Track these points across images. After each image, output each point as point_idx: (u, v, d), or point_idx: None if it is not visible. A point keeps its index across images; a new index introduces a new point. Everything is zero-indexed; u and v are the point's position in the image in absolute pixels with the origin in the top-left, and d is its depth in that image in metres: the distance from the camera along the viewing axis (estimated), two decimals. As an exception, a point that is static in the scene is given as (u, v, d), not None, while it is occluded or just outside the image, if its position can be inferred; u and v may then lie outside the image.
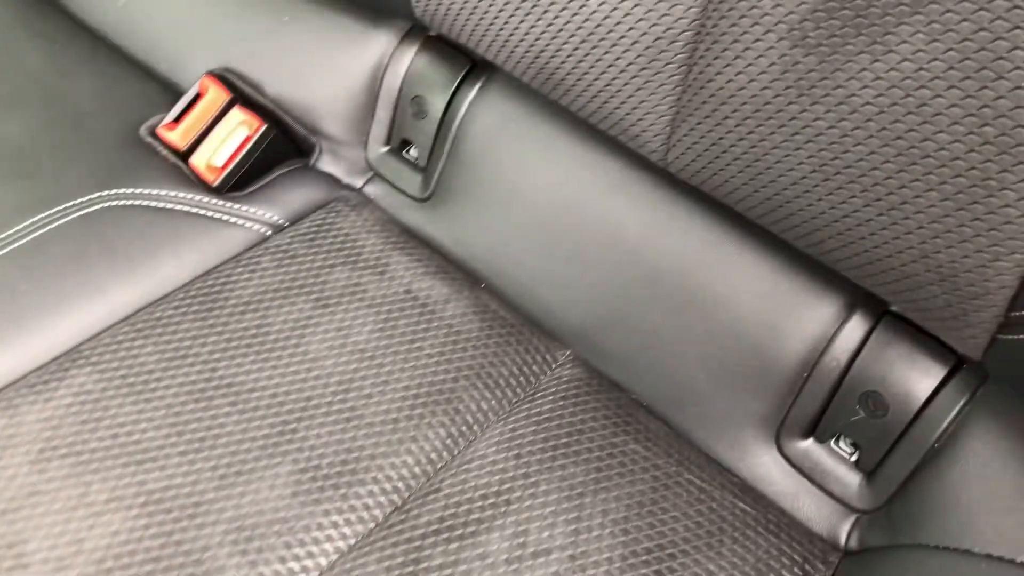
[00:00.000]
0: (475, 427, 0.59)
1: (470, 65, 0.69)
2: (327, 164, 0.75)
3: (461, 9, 0.61)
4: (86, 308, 0.61)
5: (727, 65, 0.50)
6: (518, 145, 0.67)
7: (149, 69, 0.77)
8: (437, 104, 0.70)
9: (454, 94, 0.69)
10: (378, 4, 0.69)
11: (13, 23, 0.77)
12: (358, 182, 0.74)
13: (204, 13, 0.76)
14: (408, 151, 0.73)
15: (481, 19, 0.60)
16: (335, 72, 0.73)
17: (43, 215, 0.64)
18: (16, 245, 0.62)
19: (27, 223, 0.63)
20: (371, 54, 0.72)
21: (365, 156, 0.74)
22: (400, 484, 0.56)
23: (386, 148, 0.73)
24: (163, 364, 0.59)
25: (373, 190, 0.74)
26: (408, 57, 0.71)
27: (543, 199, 0.66)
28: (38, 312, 0.60)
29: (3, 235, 0.62)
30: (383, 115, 0.73)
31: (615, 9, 0.53)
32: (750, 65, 0.49)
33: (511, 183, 0.67)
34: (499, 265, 0.68)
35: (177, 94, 0.74)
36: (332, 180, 0.74)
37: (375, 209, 0.72)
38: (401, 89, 0.72)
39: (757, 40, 0.48)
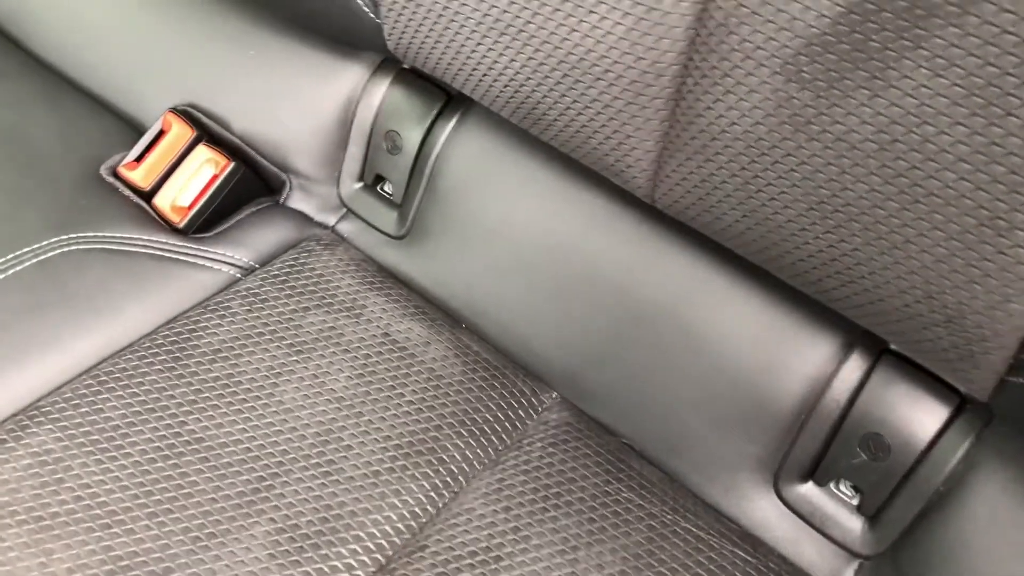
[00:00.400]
0: (460, 478, 0.57)
1: (446, 98, 0.67)
2: (297, 202, 0.72)
3: (436, 43, 0.59)
4: (45, 360, 0.58)
5: (717, 100, 0.49)
6: (497, 180, 0.65)
7: (109, 105, 0.74)
8: (412, 138, 0.68)
9: (430, 128, 0.67)
10: (349, 37, 0.67)
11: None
12: (331, 220, 0.71)
13: (165, 47, 0.73)
14: (382, 187, 0.71)
15: (458, 53, 0.58)
16: (305, 106, 0.70)
17: (-3, 261, 0.61)
18: (-31, 295, 0.58)
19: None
20: (342, 87, 0.69)
21: (337, 193, 0.71)
22: (384, 542, 0.53)
23: (359, 184, 0.71)
24: (128, 419, 0.56)
25: (347, 228, 0.71)
26: (381, 90, 0.69)
27: (524, 236, 0.64)
28: (-7, 366, 0.57)
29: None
30: (355, 150, 0.70)
31: (599, 43, 0.51)
32: (741, 100, 0.48)
33: (490, 219, 0.65)
34: (479, 304, 0.66)
35: (139, 131, 0.71)
36: (303, 218, 0.71)
37: (349, 248, 0.69)
38: (374, 123, 0.69)
39: (749, 75, 0.47)
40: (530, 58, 0.55)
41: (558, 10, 0.51)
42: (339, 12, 0.62)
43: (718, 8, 0.47)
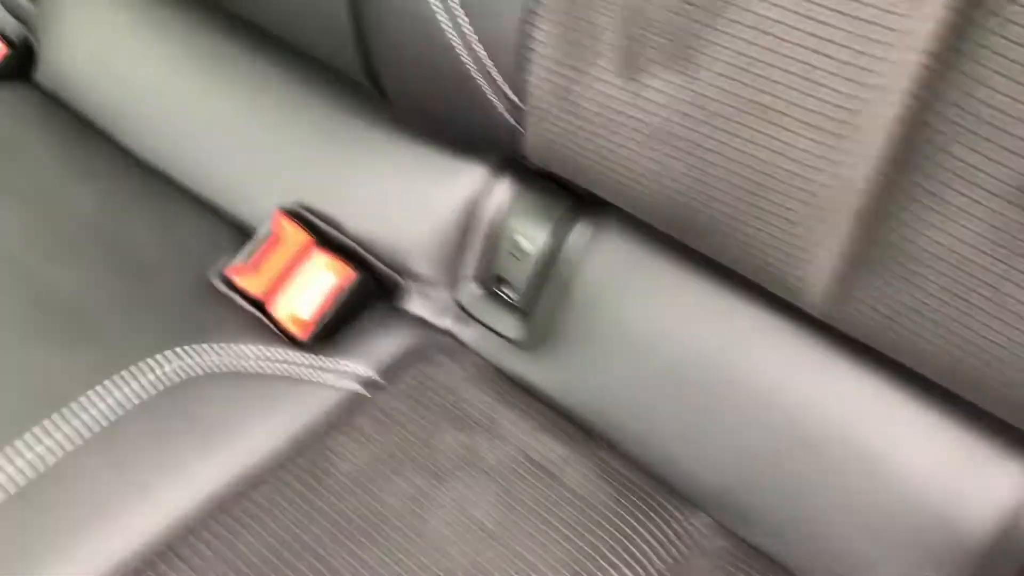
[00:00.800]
0: (623, 617, 0.53)
1: (576, 199, 0.64)
2: (414, 305, 0.68)
3: (582, 149, 0.56)
4: (172, 491, 0.54)
5: (919, 218, 0.45)
6: (639, 285, 0.62)
7: (212, 206, 0.71)
8: (537, 240, 0.64)
9: (558, 230, 0.64)
10: (472, 138, 0.64)
11: (60, 162, 0.71)
12: (449, 324, 0.68)
13: (271, 144, 0.70)
14: (503, 290, 0.67)
15: (605, 159, 0.55)
16: (422, 207, 0.67)
17: (111, 381, 0.57)
18: (91, 428, 0.54)
19: (94, 392, 0.56)
20: (462, 187, 0.66)
21: (457, 297, 0.68)
22: None
23: (479, 288, 0.68)
24: (266, 558, 0.52)
25: (467, 334, 0.67)
26: (503, 190, 0.66)
27: (671, 344, 0.60)
28: (120, 503, 0.53)
29: (67, 408, 0.55)
30: (475, 252, 0.67)
31: (781, 156, 0.48)
32: (952, 222, 0.44)
33: (631, 327, 0.62)
34: (619, 418, 0.62)
35: (244, 232, 0.68)
36: (421, 323, 0.67)
37: (473, 356, 0.65)
38: (496, 225, 0.66)
39: (964, 196, 0.44)
40: (693, 167, 0.52)
41: (742, 124, 0.48)
42: (468, 116, 0.59)
43: (925, 125, 0.44)
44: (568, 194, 0.64)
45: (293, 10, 0.61)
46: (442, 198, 0.67)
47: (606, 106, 0.52)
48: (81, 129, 0.76)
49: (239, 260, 0.65)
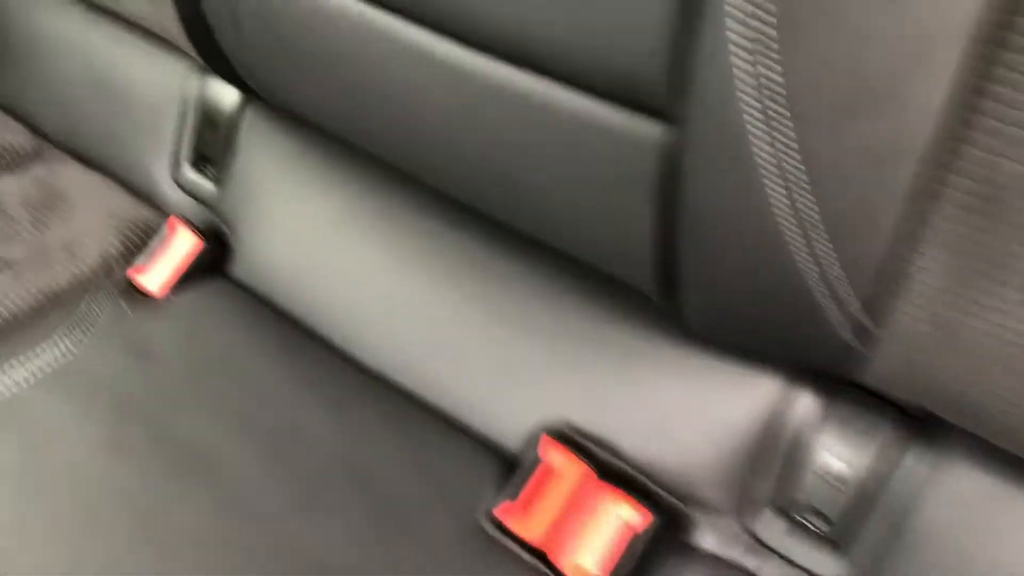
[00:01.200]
0: None
1: (909, 419, 0.55)
2: (701, 538, 0.59)
3: (949, 373, 0.47)
4: None
5: None
6: (996, 526, 0.52)
7: (461, 425, 0.63)
8: (858, 464, 0.55)
9: (886, 450, 0.55)
10: (787, 352, 0.55)
11: (280, 375, 0.63)
12: (745, 560, 0.58)
13: (528, 353, 0.62)
14: (809, 518, 0.58)
15: (978, 385, 0.46)
16: (711, 421, 0.58)
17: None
18: None
19: None
20: (758, 397, 0.57)
21: (750, 526, 0.58)
22: None
23: (779, 516, 0.58)
24: None
25: (766, 570, 0.58)
26: (809, 402, 0.57)
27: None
28: None
29: None
30: (773, 474, 0.58)
31: None
32: None
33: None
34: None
35: (504, 457, 0.60)
36: (714, 560, 0.58)
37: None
38: (796, 441, 0.57)
39: None
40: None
41: None
42: (793, 334, 0.51)
43: None
44: (895, 410, 0.55)
45: (574, 218, 0.54)
46: (734, 410, 0.58)
47: (1002, 338, 0.44)
48: (292, 332, 0.69)
49: (507, 497, 0.56)
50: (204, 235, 0.76)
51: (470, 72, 0.51)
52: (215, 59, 0.72)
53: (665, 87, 0.44)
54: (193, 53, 0.76)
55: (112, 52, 0.86)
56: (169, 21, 0.75)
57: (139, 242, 0.79)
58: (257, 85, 0.70)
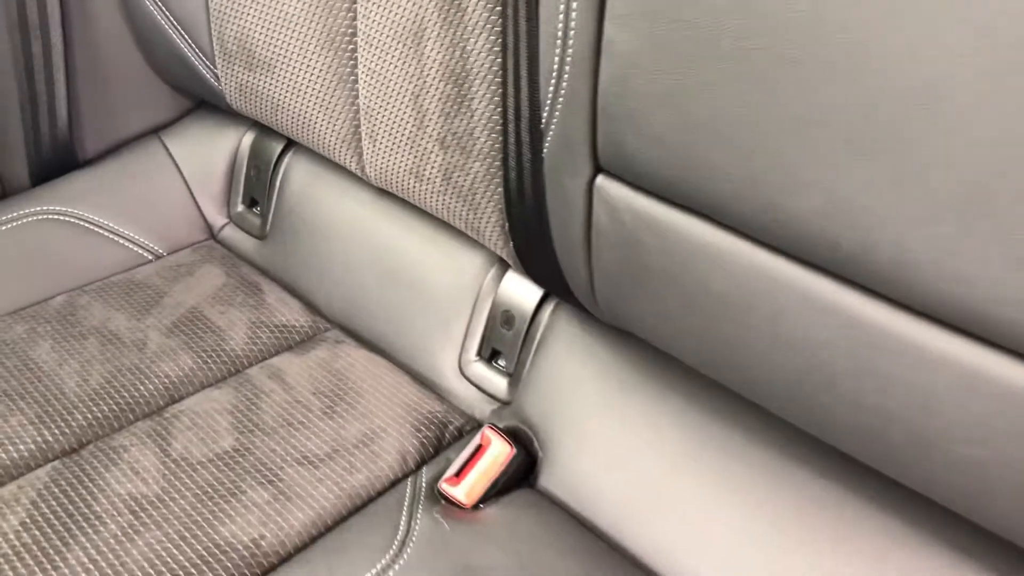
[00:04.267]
0: None
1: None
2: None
3: None
4: None
5: None
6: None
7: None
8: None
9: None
10: None
11: (536, 539, 0.61)
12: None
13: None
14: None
15: None
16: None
17: None
18: None
19: None
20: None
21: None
22: None
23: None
24: None
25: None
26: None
27: None
28: None
29: None
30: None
31: None
32: None
33: None
34: None
35: None
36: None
37: None
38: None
39: None
40: None
41: None
42: None
43: None
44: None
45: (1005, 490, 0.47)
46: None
47: None
48: (609, 555, 0.64)
49: None
50: (512, 440, 0.72)
51: (887, 332, 0.46)
52: (536, 271, 0.71)
53: None
54: (504, 255, 0.75)
55: (404, 240, 0.86)
56: (486, 227, 0.74)
57: (434, 440, 0.76)
58: (584, 299, 0.67)
